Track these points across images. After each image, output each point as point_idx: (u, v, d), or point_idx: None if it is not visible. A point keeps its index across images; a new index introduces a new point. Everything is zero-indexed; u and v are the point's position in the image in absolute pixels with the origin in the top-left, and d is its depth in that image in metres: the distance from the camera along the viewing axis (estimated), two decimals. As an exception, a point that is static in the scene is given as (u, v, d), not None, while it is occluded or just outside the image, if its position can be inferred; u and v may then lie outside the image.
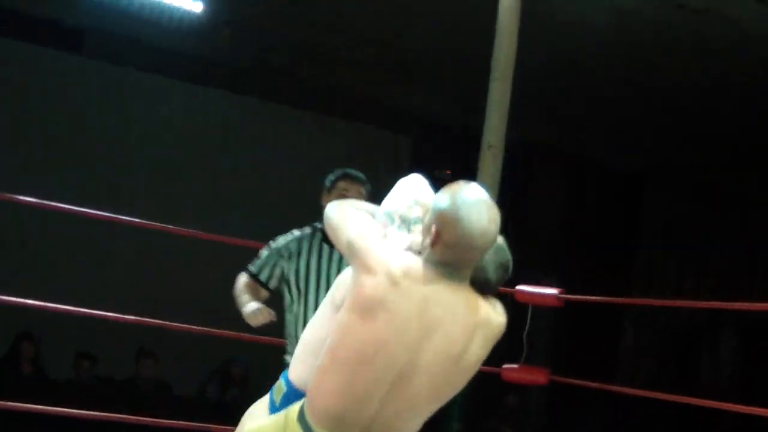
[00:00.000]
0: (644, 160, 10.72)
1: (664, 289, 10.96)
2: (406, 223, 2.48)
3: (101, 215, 4.88)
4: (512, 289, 4.69)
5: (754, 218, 10.83)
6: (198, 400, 7.65)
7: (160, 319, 4.99)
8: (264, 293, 3.77)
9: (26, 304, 4.58)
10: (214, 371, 7.96)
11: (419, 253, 2.40)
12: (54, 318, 5.93)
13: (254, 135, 9.45)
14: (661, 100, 8.81)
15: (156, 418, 4.92)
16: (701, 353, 11.20)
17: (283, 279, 3.77)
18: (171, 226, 5.46)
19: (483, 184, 5.31)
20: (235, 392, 7.77)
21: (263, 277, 3.78)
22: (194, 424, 4.97)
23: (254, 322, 3.54)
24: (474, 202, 2.34)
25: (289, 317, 3.75)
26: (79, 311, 4.84)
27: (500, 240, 2.49)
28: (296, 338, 3.27)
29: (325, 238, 3.64)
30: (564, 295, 4.65)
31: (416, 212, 2.49)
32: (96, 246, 8.36)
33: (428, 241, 2.36)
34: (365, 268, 2.32)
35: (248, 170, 9.41)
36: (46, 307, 4.62)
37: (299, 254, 3.74)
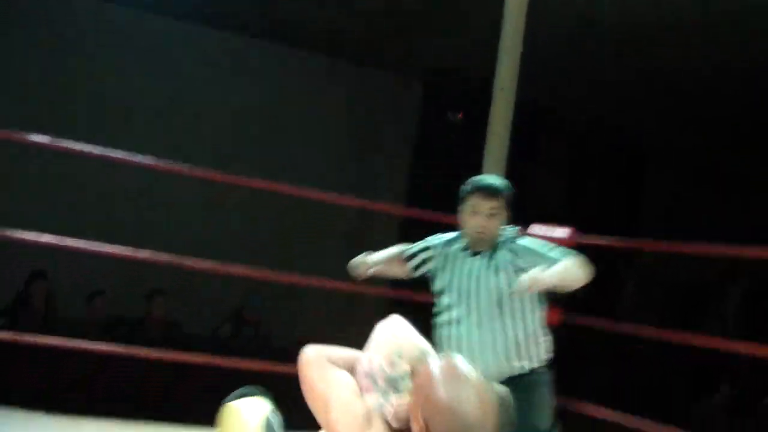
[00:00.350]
0: (646, 141, 10.71)
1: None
2: (392, 383, 2.26)
3: (113, 156, 4.90)
4: (526, 229, 4.71)
5: (756, 201, 10.82)
6: (210, 339, 7.72)
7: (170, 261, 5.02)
8: (402, 269, 3.83)
9: (40, 241, 4.63)
10: (227, 315, 8.03)
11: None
12: (66, 258, 5.99)
13: (261, 76, 9.46)
14: (663, 82, 8.79)
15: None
16: (707, 309, 11.25)
17: (432, 279, 3.77)
18: (182, 166, 5.50)
19: (494, 128, 5.48)
20: (249, 332, 7.86)
21: (414, 263, 3.80)
22: (204, 357, 5.02)
23: (357, 270, 3.70)
24: (467, 388, 2.09)
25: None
26: (92, 249, 4.90)
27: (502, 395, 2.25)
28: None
29: (473, 253, 3.63)
30: (577, 235, 4.65)
31: (401, 368, 2.28)
32: (106, 186, 8.42)
33: (416, 429, 2.12)
34: None
35: (256, 111, 9.44)
36: (60, 245, 4.67)
37: (452, 265, 3.68)
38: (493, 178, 3.74)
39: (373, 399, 2.24)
